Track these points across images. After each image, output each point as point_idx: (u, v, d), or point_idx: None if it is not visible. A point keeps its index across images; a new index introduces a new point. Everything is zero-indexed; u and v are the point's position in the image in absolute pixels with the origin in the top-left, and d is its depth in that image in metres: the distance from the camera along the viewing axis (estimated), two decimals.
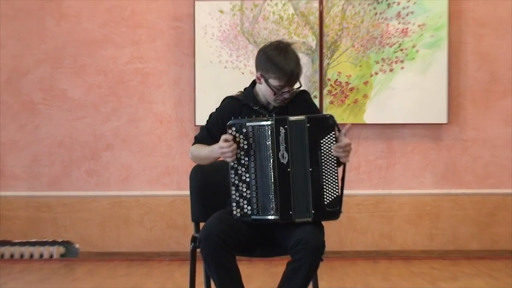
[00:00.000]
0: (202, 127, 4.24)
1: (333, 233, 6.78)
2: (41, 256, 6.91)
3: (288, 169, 3.84)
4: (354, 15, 6.90)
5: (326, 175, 3.88)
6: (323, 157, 3.88)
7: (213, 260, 3.83)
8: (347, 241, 6.96)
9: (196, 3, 6.87)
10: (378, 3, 6.89)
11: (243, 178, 3.93)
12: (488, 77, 6.98)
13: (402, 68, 6.88)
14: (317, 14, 6.89)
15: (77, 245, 6.97)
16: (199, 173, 4.42)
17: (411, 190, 7.00)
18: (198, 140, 4.20)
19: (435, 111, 6.89)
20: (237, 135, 3.89)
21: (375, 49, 6.90)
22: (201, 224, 4.26)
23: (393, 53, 6.89)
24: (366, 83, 6.88)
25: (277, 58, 3.95)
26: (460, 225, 6.97)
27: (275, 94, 3.99)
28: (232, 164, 3.93)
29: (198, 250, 4.06)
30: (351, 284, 5.81)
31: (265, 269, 6.09)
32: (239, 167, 3.92)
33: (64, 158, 7.01)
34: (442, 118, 6.88)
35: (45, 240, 6.96)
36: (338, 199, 3.89)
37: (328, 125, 3.88)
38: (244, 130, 3.89)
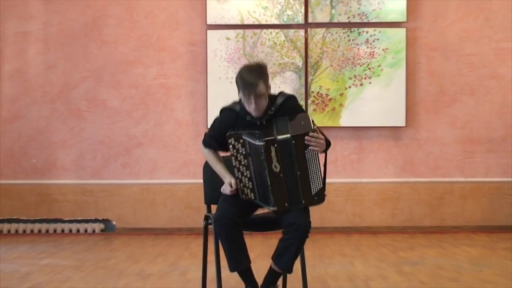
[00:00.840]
0: (206, 133, 4.14)
1: (316, 213, 6.52)
2: (86, 231, 6.95)
3: (281, 175, 3.77)
4: (332, 41, 6.89)
5: (312, 174, 3.82)
6: (308, 162, 3.81)
7: (225, 236, 3.82)
8: (327, 219, 6.96)
9: (208, 32, 6.87)
10: (351, 32, 6.87)
11: (245, 174, 3.88)
12: (437, 89, 6.99)
13: (370, 83, 6.90)
14: (303, 41, 6.89)
15: (114, 222, 7.02)
16: (209, 167, 4.25)
17: (377, 179, 7.03)
18: (207, 145, 4.13)
19: (396, 117, 6.91)
20: (236, 143, 3.86)
21: (348, 68, 6.90)
22: (212, 206, 4.21)
23: (363, 71, 6.90)
24: (341, 94, 6.89)
25: (242, 75, 3.88)
26: (415, 206, 7.01)
27: (247, 102, 3.88)
28: (234, 162, 3.89)
29: (210, 226, 4.08)
30: (330, 253, 5.80)
31: (262, 241, 6.00)
32: (241, 167, 3.89)
33: (104, 154, 7.04)
34: (401, 122, 6.92)
35: (88, 218, 7.02)
36: (322, 190, 3.84)
37: (305, 132, 3.77)
38: (241, 141, 3.85)
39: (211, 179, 4.33)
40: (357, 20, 6.95)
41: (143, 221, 7.06)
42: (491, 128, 7.06)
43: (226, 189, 3.94)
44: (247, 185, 3.89)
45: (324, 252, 5.84)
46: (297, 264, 4.06)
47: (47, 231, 6.98)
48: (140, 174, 7.09)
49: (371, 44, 6.96)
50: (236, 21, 6.94)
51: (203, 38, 6.99)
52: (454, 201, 7.06)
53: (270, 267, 3.96)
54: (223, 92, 6.75)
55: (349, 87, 6.96)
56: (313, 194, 3.84)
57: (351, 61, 6.97)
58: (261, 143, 3.75)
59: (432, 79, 7.05)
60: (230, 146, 3.90)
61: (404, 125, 6.99)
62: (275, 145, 3.76)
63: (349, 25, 6.96)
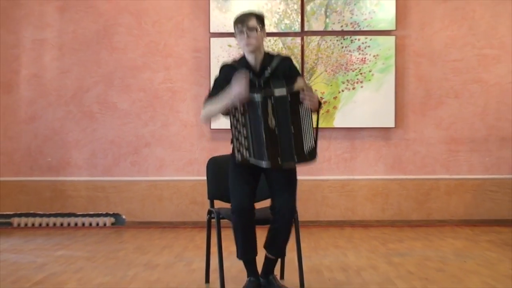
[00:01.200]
0: (207, 96, 4.03)
1: (311, 208, 6.88)
2: (97, 224, 6.95)
3: (276, 131, 3.73)
4: (326, 48, 6.90)
5: (305, 131, 3.78)
6: (301, 119, 3.77)
7: (242, 226, 3.87)
8: (321, 213, 6.97)
9: (211, 39, 6.87)
10: (344, 39, 6.88)
11: (242, 132, 3.81)
12: (424, 93, 6.99)
13: (362, 87, 6.90)
14: (300, 48, 6.89)
15: (123, 216, 7.01)
16: (212, 164, 4.39)
17: (368, 176, 7.03)
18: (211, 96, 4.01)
19: (386, 118, 6.92)
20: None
21: (341, 73, 6.90)
22: (216, 202, 4.30)
23: (355, 76, 6.90)
24: (335, 98, 6.90)
25: (237, 15, 3.95)
26: (404, 201, 7.01)
27: (240, 37, 3.87)
28: (232, 121, 3.81)
29: (213, 220, 4.15)
30: (324, 245, 5.79)
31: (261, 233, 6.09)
32: (238, 125, 3.81)
33: (114, 153, 7.05)
34: (391, 123, 6.93)
35: (100, 212, 7.01)
36: (314, 149, 3.81)
37: (300, 89, 3.76)
38: None
39: (213, 177, 4.37)
40: (349, 28, 6.96)
41: (151, 215, 7.06)
42: (474, 129, 7.06)
43: (236, 95, 3.74)
44: (243, 143, 3.82)
45: (319, 244, 5.83)
46: (294, 255, 4.11)
47: (61, 224, 6.99)
48: (148, 172, 7.08)
49: (362, 51, 6.97)
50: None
51: (206, 45, 6.99)
52: (440, 197, 7.06)
53: (266, 256, 3.99)
54: None
55: (342, 90, 6.96)
56: (305, 151, 3.80)
57: (344, 66, 6.97)
58: (259, 98, 3.73)
59: (419, 84, 7.05)
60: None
61: (393, 126, 6.99)
62: (272, 100, 3.74)
63: (342, 33, 6.97)
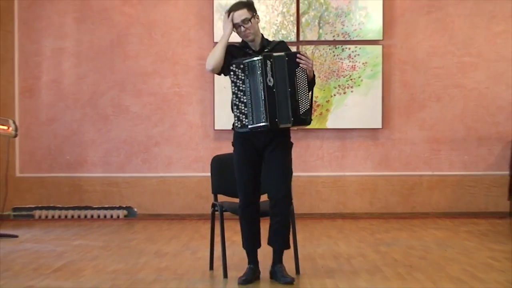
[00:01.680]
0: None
1: (306, 201, 6.87)
2: (111, 216, 6.94)
3: (274, 90, 3.76)
4: (320, 56, 6.89)
5: (300, 93, 3.81)
6: (297, 81, 3.80)
7: (249, 221, 3.94)
8: (315, 206, 6.95)
9: None
10: (336, 48, 6.88)
11: (242, 99, 3.82)
12: (409, 97, 6.98)
13: (352, 91, 6.88)
14: None
15: (135, 209, 6.99)
16: (216, 162, 4.39)
17: (357, 173, 7.00)
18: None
19: (374, 120, 6.91)
20: (237, 70, 3.80)
21: (333, 79, 6.89)
22: (219, 196, 4.33)
23: (346, 81, 6.88)
24: (328, 101, 6.89)
25: (230, 8, 3.96)
26: (390, 196, 6.99)
27: (238, 30, 3.90)
28: (233, 89, 3.84)
29: (217, 212, 4.19)
30: (318, 235, 5.79)
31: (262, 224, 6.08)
32: (239, 92, 3.82)
33: (127, 151, 7.02)
34: (378, 125, 6.92)
35: (114, 206, 6.99)
36: (309, 110, 3.84)
37: (297, 54, 3.83)
38: (242, 66, 3.81)
39: (217, 173, 4.37)
40: (340, 38, 6.95)
41: (160, 208, 7.04)
42: (454, 129, 7.05)
43: (227, 23, 3.94)
44: (243, 111, 3.83)
45: (312, 235, 5.84)
46: (290, 245, 4.10)
47: (79, 216, 6.98)
48: (157, 169, 7.06)
49: (352, 58, 6.95)
50: (238, 39, 6.82)
51: None
52: (423, 192, 7.04)
53: (273, 249, 3.99)
54: (227, 99, 6.26)
55: (334, 95, 6.95)
56: (301, 113, 3.82)
57: (336, 73, 6.96)
58: (259, 57, 3.78)
59: (404, 88, 7.04)
60: (231, 73, 3.85)
61: (380, 127, 6.98)
62: (271, 60, 3.76)
63: (334, 42, 6.96)
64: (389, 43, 7.01)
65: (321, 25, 6.94)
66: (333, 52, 6.96)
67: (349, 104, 6.94)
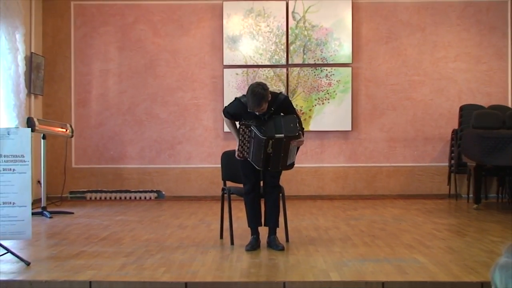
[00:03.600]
0: (226, 108, 3.98)
1: (294, 186, 6.81)
2: (145, 198, 6.91)
3: (271, 155, 3.76)
4: (304, 76, 6.87)
5: (290, 155, 3.83)
6: (290, 150, 3.82)
7: (252, 205, 3.93)
8: (300, 190, 6.91)
9: (224, 69, 6.85)
10: (316, 69, 6.86)
11: (247, 145, 3.81)
12: (372, 107, 6.97)
13: (328, 102, 6.86)
14: (285, 75, 6.87)
15: (163, 192, 6.96)
16: (225, 156, 4.37)
17: (333, 164, 6.98)
18: (227, 116, 3.97)
19: (345, 124, 6.89)
20: (245, 130, 3.79)
21: (314, 93, 6.87)
22: (228, 182, 4.31)
23: (324, 95, 6.86)
24: (310, 110, 6.87)
25: (249, 98, 3.68)
26: (358, 182, 6.97)
27: (252, 111, 3.73)
28: (241, 138, 3.81)
29: (225, 195, 4.19)
30: (302, 212, 5.76)
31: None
32: (245, 141, 3.82)
33: (157, 148, 6.98)
34: (348, 128, 6.90)
35: (147, 189, 6.95)
36: (293, 163, 3.89)
37: (295, 136, 3.80)
38: (249, 129, 3.78)
39: (225, 165, 4.37)
40: (320, 62, 6.94)
41: (182, 191, 7.01)
42: (406, 131, 7.04)
43: (236, 154, 3.91)
44: (246, 151, 3.83)
45: (298, 212, 5.83)
46: (281, 220, 4.11)
47: (120, 198, 6.96)
48: (180, 161, 7.03)
49: (329, 77, 6.94)
50: (242, 62, 6.92)
51: (220, 74, 6.98)
52: (383, 179, 7.03)
53: (268, 226, 4.02)
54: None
55: (315, 105, 6.94)
56: (287, 165, 3.86)
57: (316, 88, 6.94)
58: (264, 138, 3.71)
59: (368, 100, 7.03)
60: (241, 129, 3.83)
61: (350, 129, 6.97)
62: (273, 140, 3.74)
63: (314, 65, 6.94)
64: (357, 66, 6.99)
65: (305, 52, 6.92)
66: (314, 72, 6.94)
67: (326, 112, 6.93)
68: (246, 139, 3.82)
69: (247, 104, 3.71)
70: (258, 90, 3.67)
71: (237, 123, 4.02)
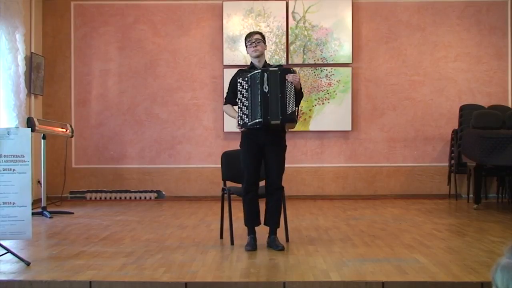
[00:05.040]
0: (226, 94, 4.09)
1: (294, 186, 6.80)
2: (145, 198, 6.90)
3: (268, 95, 3.76)
4: (304, 76, 6.85)
5: (288, 98, 3.78)
6: (286, 90, 3.78)
7: (249, 204, 3.92)
8: (301, 190, 6.90)
9: (224, 69, 6.83)
10: (316, 69, 6.86)
11: (244, 103, 3.82)
12: (372, 107, 6.97)
13: (329, 102, 6.86)
14: None
15: (163, 192, 6.95)
16: (225, 156, 4.36)
17: (333, 164, 6.97)
18: (227, 101, 4.07)
19: (345, 124, 6.88)
20: (242, 81, 3.83)
21: (314, 93, 6.87)
22: (228, 182, 4.30)
23: (324, 95, 6.87)
24: (310, 110, 6.87)
25: (247, 34, 4.02)
26: (358, 182, 6.97)
27: (248, 46, 3.93)
28: (239, 97, 3.84)
29: (225, 195, 4.18)
30: (303, 212, 5.77)
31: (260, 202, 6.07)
32: (243, 98, 3.83)
33: (157, 148, 6.98)
34: (348, 128, 6.90)
35: (147, 189, 6.94)
36: (294, 112, 3.81)
37: (290, 71, 3.83)
38: (246, 78, 3.83)
39: (225, 165, 4.36)
40: (320, 62, 6.93)
41: (182, 191, 7.01)
42: (406, 131, 7.04)
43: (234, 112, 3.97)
44: (245, 112, 3.82)
45: (298, 212, 5.83)
46: (281, 220, 4.10)
47: (120, 198, 6.95)
48: (180, 161, 7.02)
49: (329, 77, 6.93)
50: (242, 62, 6.88)
51: (220, 74, 6.97)
52: (383, 179, 7.03)
53: (269, 226, 4.02)
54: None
55: (315, 105, 6.93)
56: (288, 113, 3.79)
57: (316, 88, 6.94)
58: (259, 71, 3.83)
59: (368, 100, 7.03)
60: (239, 85, 3.88)
61: (350, 129, 6.96)
62: (268, 72, 3.80)
63: (314, 65, 6.94)
64: (357, 66, 6.99)
65: (305, 52, 6.92)
66: (314, 72, 6.94)
67: (326, 112, 6.92)
68: (244, 94, 3.83)
69: (246, 42, 3.98)
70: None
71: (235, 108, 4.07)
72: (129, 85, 7.03)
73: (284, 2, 6.91)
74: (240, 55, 6.89)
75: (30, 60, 6.50)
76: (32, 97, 6.64)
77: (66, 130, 6.03)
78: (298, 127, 6.74)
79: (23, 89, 6.28)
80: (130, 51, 7.02)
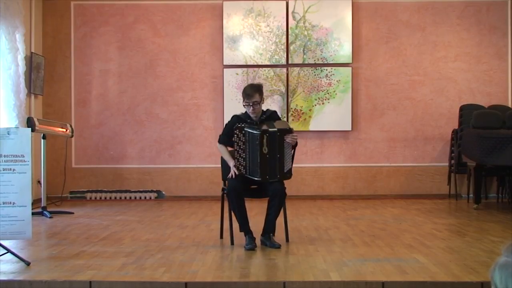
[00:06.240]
0: (220, 135, 4.15)
1: (294, 186, 6.67)
2: (145, 198, 6.89)
3: (267, 156, 3.81)
4: (304, 75, 6.86)
5: (286, 158, 3.87)
6: (285, 149, 3.86)
7: (233, 201, 3.91)
8: (300, 190, 6.88)
9: (224, 69, 6.84)
10: (316, 69, 6.85)
11: (242, 155, 3.88)
12: (372, 106, 6.97)
13: (328, 102, 6.85)
14: (285, 75, 6.85)
15: (163, 192, 6.94)
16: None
17: (333, 164, 6.96)
18: (222, 141, 4.12)
19: (345, 124, 6.87)
20: (239, 133, 3.86)
21: (314, 92, 6.86)
22: (227, 182, 4.22)
23: (324, 95, 6.85)
24: (310, 110, 6.86)
25: (245, 89, 3.95)
26: (357, 182, 6.96)
27: (247, 107, 3.92)
28: (236, 148, 3.88)
29: (225, 195, 4.13)
30: (302, 212, 5.76)
31: (257, 204, 5.97)
32: (240, 150, 3.89)
33: (157, 148, 6.97)
34: (348, 128, 6.89)
35: (147, 189, 6.93)
36: (290, 169, 3.93)
37: (288, 131, 3.89)
38: (243, 132, 3.86)
39: (225, 165, 4.33)
40: (320, 62, 6.92)
41: (182, 191, 7.00)
42: (406, 131, 7.03)
43: (231, 171, 3.97)
44: (242, 163, 3.89)
45: (298, 211, 5.83)
46: (281, 220, 4.10)
47: (120, 198, 6.95)
48: (180, 161, 7.02)
49: (329, 77, 6.92)
50: (242, 62, 6.90)
51: (221, 74, 6.96)
52: (383, 178, 7.02)
53: (265, 221, 3.99)
54: (234, 108, 6.51)
55: (315, 105, 6.92)
56: (285, 171, 3.89)
57: (316, 88, 6.93)
58: (259, 132, 3.80)
59: (368, 100, 7.02)
60: (235, 135, 3.90)
61: (350, 129, 6.96)
62: (267, 134, 3.81)
63: (314, 65, 6.93)
64: (357, 66, 6.98)
65: (305, 52, 6.91)
66: (314, 72, 6.93)
67: (326, 112, 6.91)
68: (241, 146, 3.88)
69: (243, 94, 3.92)
70: (254, 83, 4.06)
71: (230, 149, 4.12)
72: (129, 85, 7.03)
73: (284, 2, 6.91)
74: (240, 55, 6.89)
75: (30, 60, 6.50)
76: (32, 97, 6.64)
77: (66, 130, 6.03)
78: (298, 127, 6.90)
79: (23, 89, 6.28)
80: (130, 51, 7.02)
